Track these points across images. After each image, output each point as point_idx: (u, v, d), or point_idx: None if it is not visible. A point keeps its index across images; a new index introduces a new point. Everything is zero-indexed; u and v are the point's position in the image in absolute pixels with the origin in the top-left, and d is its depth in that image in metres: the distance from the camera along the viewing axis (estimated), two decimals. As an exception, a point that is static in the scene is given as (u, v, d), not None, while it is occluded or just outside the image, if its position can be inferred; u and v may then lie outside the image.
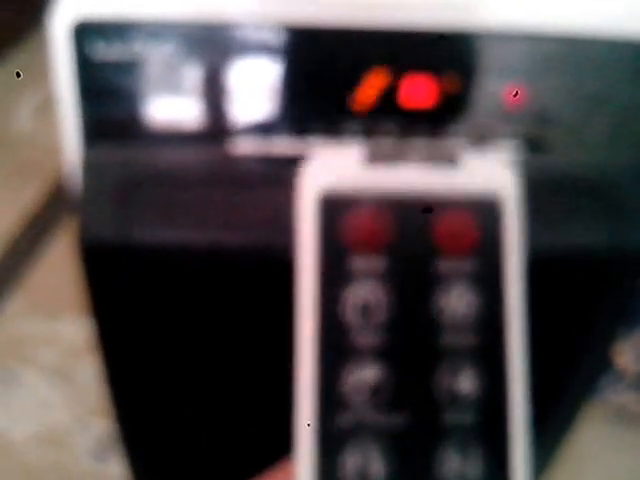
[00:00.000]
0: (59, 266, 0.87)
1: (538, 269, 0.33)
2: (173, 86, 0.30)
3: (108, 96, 0.30)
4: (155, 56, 0.30)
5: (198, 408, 0.41)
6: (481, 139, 0.31)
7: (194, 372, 0.38)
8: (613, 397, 0.70)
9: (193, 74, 0.30)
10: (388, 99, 0.31)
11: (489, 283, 0.24)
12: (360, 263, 0.24)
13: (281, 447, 0.42)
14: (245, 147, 0.31)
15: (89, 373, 0.74)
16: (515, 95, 0.31)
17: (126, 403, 0.40)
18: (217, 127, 0.31)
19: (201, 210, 0.31)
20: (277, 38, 0.30)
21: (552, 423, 0.42)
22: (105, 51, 0.30)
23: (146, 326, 0.34)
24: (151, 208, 0.30)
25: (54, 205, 0.94)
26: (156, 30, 0.29)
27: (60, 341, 0.78)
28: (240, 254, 0.32)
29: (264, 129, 0.31)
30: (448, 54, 0.30)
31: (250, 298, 0.34)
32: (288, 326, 0.36)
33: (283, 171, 0.32)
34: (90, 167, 0.30)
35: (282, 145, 0.31)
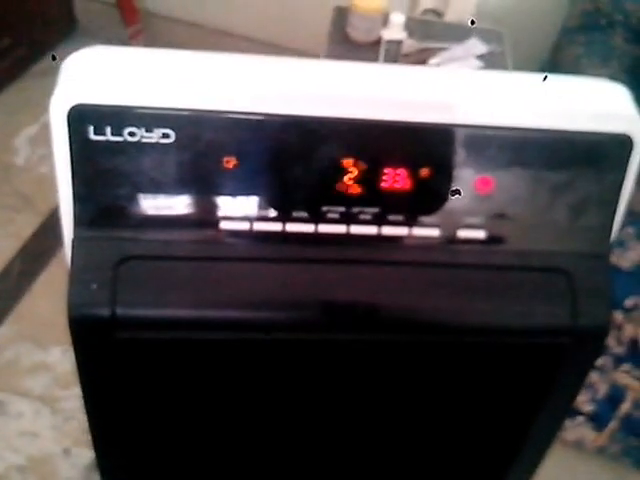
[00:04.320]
0: (50, 296, 0.88)
1: (499, 346, 0.35)
2: (163, 171, 0.32)
3: (101, 177, 0.32)
4: (147, 141, 0.31)
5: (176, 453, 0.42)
6: (453, 222, 0.34)
7: (179, 435, 0.39)
8: (570, 432, 0.72)
9: (183, 160, 0.32)
10: (368, 184, 0.33)
11: None
12: None
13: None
14: (231, 227, 0.33)
15: (75, 403, 0.75)
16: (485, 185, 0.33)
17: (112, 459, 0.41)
18: (205, 210, 0.32)
19: (186, 286, 0.32)
20: (265, 127, 0.32)
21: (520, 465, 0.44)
22: (99, 135, 0.31)
23: (131, 394, 0.35)
24: (137, 285, 0.32)
25: (47, 236, 0.95)
26: (148, 117, 0.31)
27: (48, 370, 0.79)
28: (227, 328, 0.33)
29: (251, 211, 0.33)
30: (424, 149, 0.32)
31: (234, 371, 0.36)
32: (274, 398, 0.37)
33: (269, 249, 0.33)
34: (79, 245, 0.32)
35: (268, 226, 0.33)
